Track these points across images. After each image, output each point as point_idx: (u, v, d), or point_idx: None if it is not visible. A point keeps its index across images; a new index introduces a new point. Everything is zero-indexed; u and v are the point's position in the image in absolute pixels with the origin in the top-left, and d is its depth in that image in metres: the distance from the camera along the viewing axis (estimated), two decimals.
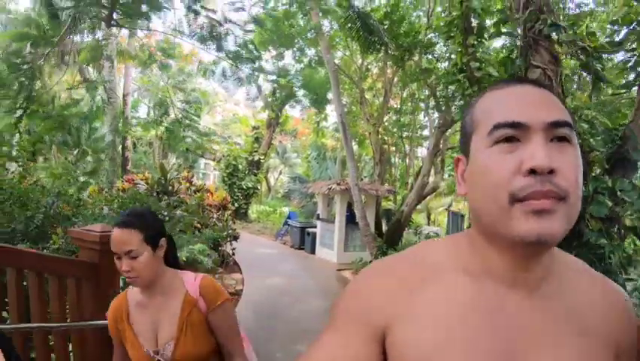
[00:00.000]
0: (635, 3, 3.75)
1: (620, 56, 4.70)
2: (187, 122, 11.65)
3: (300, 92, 14.62)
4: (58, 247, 3.05)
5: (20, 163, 4.87)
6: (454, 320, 0.56)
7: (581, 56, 3.33)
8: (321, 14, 9.00)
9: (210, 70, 11.65)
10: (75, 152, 10.43)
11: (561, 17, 3.96)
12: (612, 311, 0.61)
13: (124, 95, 12.59)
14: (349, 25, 8.40)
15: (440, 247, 0.66)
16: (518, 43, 3.40)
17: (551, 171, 0.51)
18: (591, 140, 3.00)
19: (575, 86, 6.39)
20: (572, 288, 0.61)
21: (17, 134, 5.36)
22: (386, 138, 12.37)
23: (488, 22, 5.80)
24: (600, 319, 0.59)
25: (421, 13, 10.26)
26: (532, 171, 0.51)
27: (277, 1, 10.97)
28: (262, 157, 17.02)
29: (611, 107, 7.41)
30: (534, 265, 0.57)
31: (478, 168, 0.58)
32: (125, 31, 9.58)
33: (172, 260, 1.49)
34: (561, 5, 8.36)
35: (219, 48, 6.88)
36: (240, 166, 16.16)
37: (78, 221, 3.61)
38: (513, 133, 0.54)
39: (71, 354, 2.11)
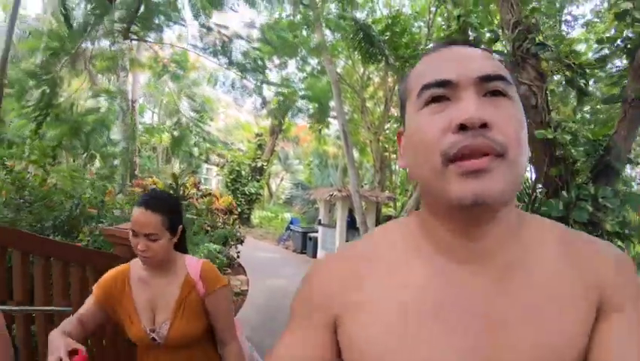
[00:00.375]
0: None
1: (618, 64, 4.94)
2: (196, 128, 11.95)
3: (303, 100, 14.88)
4: (86, 244, 3.32)
5: (43, 167, 5.14)
6: (403, 304, 0.54)
7: (567, 73, 3.60)
8: (324, 25, 9.26)
9: (221, 81, 11.97)
10: (84, 156, 10.78)
11: (547, 36, 4.24)
12: (596, 272, 0.55)
13: (132, 102, 12.91)
14: (351, 36, 8.65)
15: (393, 229, 0.64)
16: (507, 60, 3.67)
17: (484, 126, 0.48)
18: (573, 150, 3.26)
19: (572, 95, 6.65)
20: (540, 256, 0.55)
21: (37, 140, 5.65)
22: (387, 145, 12.59)
23: (488, 34, 6.07)
24: (578, 285, 0.54)
25: (422, 24, 10.53)
26: (463, 127, 0.48)
27: (281, 14, 11.26)
28: (265, 163, 17.26)
29: (606, 116, 7.69)
30: (482, 232, 0.53)
31: (410, 134, 0.55)
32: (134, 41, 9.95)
33: (180, 244, 1.50)
34: (557, 18, 8.66)
35: (231, 63, 7.20)
36: (243, 172, 16.40)
37: (105, 221, 3.87)
38: (442, 92, 0.51)
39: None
